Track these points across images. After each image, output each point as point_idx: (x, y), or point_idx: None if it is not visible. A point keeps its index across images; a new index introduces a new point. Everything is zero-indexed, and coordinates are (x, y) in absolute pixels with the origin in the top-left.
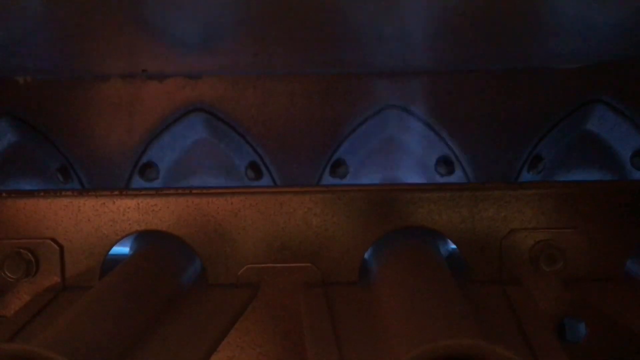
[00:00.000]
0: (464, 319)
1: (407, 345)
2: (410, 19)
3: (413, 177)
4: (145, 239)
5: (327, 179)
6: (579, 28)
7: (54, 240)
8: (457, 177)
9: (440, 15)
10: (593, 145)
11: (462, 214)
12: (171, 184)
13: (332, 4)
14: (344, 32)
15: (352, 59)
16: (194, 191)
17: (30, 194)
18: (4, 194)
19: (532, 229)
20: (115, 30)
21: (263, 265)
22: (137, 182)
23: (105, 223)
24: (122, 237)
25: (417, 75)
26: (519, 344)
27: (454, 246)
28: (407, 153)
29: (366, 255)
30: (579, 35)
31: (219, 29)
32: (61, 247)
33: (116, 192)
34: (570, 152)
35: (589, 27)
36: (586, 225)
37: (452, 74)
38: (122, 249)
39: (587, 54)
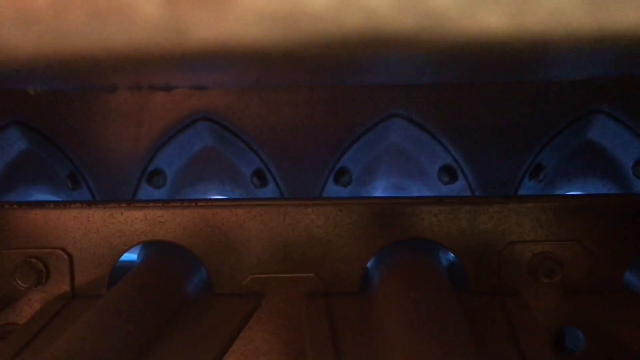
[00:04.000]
0: (461, 337)
1: None
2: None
3: (416, 185)
4: (153, 248)
5: (331, 187)
6: (581, 48)
7: (63, 250)
8: (459, 185)
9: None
10: (594, 154)
11: (462, 226)
12: (178, 191)
13: (336, 32)
14: (348, 59)
15: (355, 79)
16: (200, 203)
17: (40, 205)
18: (15, 206)
19: (531, 242)
20: (122, 49)
21: (267, 275)
22: (145, 189)
23: (114, 234)
24: (130, 248)
25: (421, 86)
26: (513, 356)
27: (454, 256)
28: (410, 162)
29: (368, 266)
30: (581, 53)
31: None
32: (70, 256)
33: (124, 204)
34: (572, 161)
35: (590, 47)
36: (584, 237)
37: (455, 85)
38: (130, 255)
39: (588, 69)
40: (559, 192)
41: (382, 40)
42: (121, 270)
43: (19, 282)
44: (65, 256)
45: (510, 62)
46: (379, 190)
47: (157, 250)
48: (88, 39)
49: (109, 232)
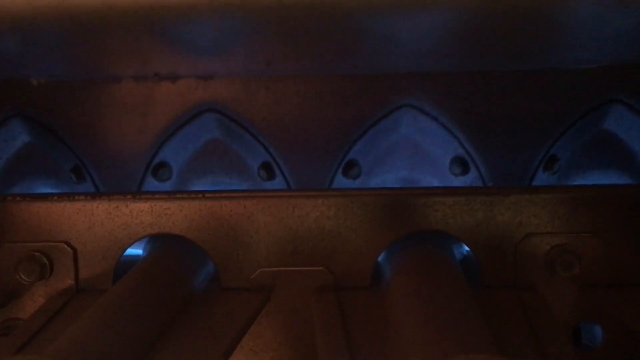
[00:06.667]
0: (479, 331)
1: (420, 358)
2: (426, 24)
3: (427, 177)
4: (159, 241)
5: (340, 180)
6: (597, 31)
7: (67, 243)
8: (471, 177)
9: (456, 19)
10: (610, 145)
11: (477, 218)
12: (184, 185)
13: (345, 13)
14: (357, 39)
15: (366, 63)
16: (207, 194)
17: (44, 197)
18: (18, 198)
19: (548, 234)
20: (129, 35)
21: (276, 269)
22: (150, 182)
23: (119, 226)
24: (135, 241)
25: (432, 75)
26: (532, 351)
27: (468, 249)
28: (421, 153)
29: (380, 259)
30: (597, 38)
31: (230, 38)
32: (75, 250)
33: (129, 196)
34: (587, 152)
35: (606, 31)
36: (603, 229)
37: (466, 74)
38: (135, 250)
39: (604, 56)
40: (574, 184)
41: None
42: (127, 264)
43: (23, 276)
44: (70, 250)
45: (529, 28)
46: (389, 183)
47: (163, 243)
48: None
49: (114, 224)
